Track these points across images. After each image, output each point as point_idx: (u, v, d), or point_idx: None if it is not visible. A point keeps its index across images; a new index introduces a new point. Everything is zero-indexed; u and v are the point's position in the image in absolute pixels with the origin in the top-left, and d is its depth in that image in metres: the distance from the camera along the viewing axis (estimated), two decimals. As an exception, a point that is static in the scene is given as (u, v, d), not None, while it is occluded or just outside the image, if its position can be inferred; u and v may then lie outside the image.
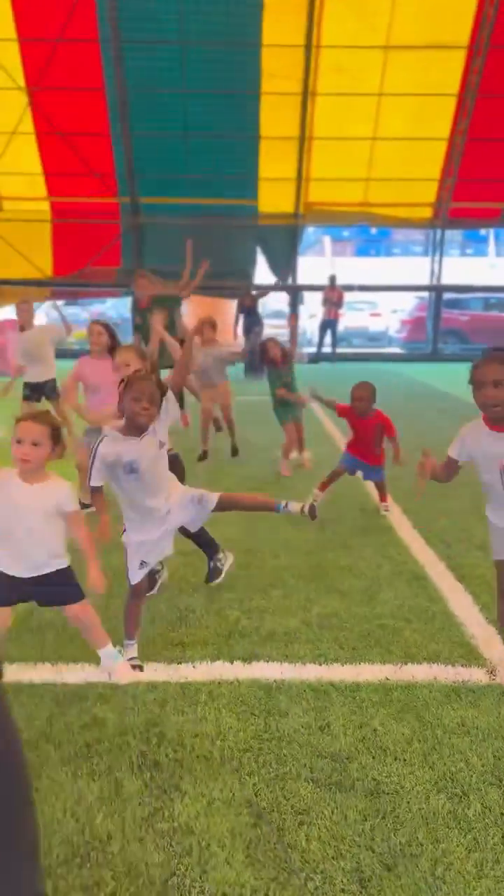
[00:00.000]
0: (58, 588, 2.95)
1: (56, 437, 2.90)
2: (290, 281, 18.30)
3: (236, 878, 2.05)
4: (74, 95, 15.97)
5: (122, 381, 3.18)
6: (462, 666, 3.23)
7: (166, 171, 17.10)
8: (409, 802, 2.37)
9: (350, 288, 18.50)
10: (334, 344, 17.64)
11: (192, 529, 3.58)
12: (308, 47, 15.50)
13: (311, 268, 22.83)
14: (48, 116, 16.32)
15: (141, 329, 8.10)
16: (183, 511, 3.36)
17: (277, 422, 6.97)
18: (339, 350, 18.02)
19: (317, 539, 4.91)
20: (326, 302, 17.03)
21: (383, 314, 24.38)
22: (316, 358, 17.64)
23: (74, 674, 3.12)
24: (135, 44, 15.28)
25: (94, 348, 5.41)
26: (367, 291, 20.29)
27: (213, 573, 4.03)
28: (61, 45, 15.29)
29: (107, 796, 2.37)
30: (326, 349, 17.71)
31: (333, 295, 16.97)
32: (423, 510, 5.50)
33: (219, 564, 4.04)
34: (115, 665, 3.10)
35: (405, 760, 2.58)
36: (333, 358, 17.50)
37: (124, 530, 3.29)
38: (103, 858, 2.12)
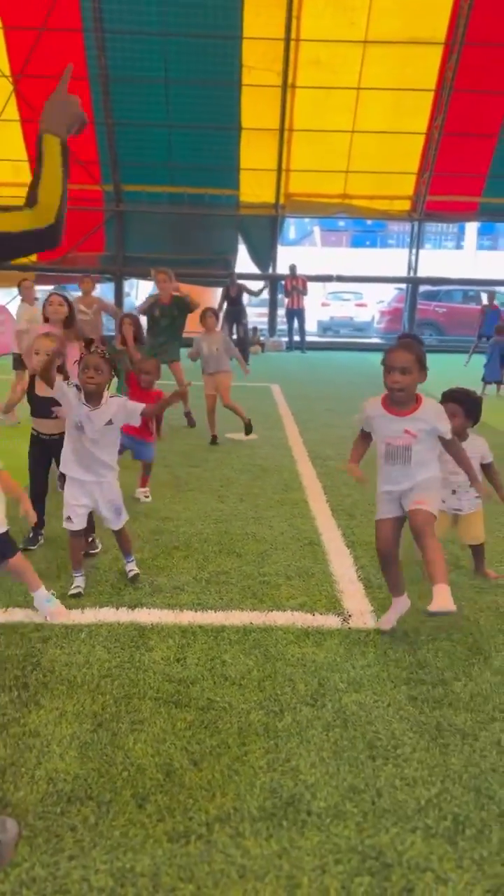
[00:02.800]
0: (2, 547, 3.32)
1: None
2: (269, 270, 18.64)
3: (65, 768, 2.47)
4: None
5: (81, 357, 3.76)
6: (320, 614, 3.64)
7: (149, 160, 17.43)
8: (231, 716, 2.78)
9: (329, 278, 18.86)
10: (303, 333, 17.97)
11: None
12: (287, 40, 15.81)
13: (304, 258, 23.20)
14: (32, 104, 16.62)
15: (162, 326, 8.08)
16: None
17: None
18: (324, 339, 18.37)
19: (233, 510, 5.31)
20: (291, 292, 17.34)
21: (369, 304, 24.80)
22: (289, 347, 18.02)
23: (-26, 615, 3.54)
24: (117, 34, 15.61)
25: (52, 318, 5.43)
26: (345, 282, 20.59)
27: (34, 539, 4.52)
28: (45, 33, 15.58)
29: (-26, 707, 2.79)
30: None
31: (298, 283, 17.29)
32: (339, 487, 5.91)
33: (39, 538, 4.54)
34: (49, 607, 3.51)
35: (241, 685, 3.00)
36: (303, 347, 17.85)
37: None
38: (-42, 752, 2.53)
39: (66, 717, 2.75)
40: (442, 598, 2.95)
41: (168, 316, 8.01)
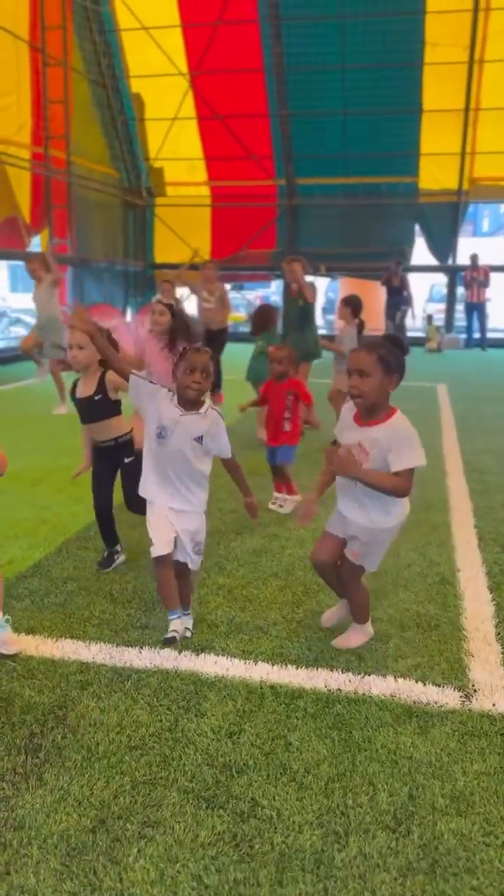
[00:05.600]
0: None
1: None
2: (449, 261, 17.31)
3: (33, 887, 1.85)
4: (233, 78, 16.07)
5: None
6: (435, 685, 2.77)
7: (323, 151, 16.76)
8: (275, 833, 2.04)
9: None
10: (483, 328, 16.42)
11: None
12: (475, 10, 14.49)
13: (494, 248, 21.52)
14: (208, 100, 16.55)
15: (291, 319, 7.40)
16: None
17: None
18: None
19: (357, 530, 4.50)
20: (471, 283, 15.85)
21: None
22: (468, 343, 16.61)
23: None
24: (293, 21, 15.11)
25: (154, 328, 5.19)
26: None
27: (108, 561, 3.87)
28: (221, 27, 15.41)
29: (-35, 774, 2.26)
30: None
31: (479, 274, 15.77)
32: (496, 509, 4.90)
33: (116, 557, 3.88)
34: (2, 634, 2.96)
35: (302, 784, 2.24)
36: (484, 344, 16.33)
37: None
38: None
39: (65, 805, 2.14)
40: (354, 637, 3.07)
41: (294, 308, 7.32)
